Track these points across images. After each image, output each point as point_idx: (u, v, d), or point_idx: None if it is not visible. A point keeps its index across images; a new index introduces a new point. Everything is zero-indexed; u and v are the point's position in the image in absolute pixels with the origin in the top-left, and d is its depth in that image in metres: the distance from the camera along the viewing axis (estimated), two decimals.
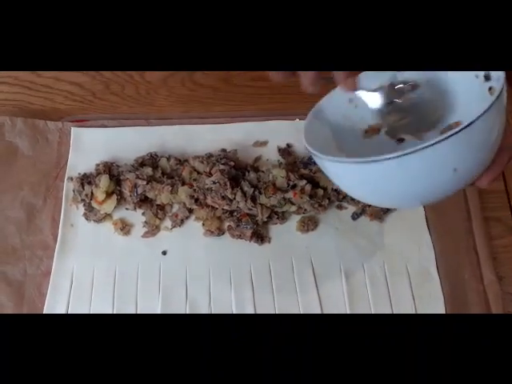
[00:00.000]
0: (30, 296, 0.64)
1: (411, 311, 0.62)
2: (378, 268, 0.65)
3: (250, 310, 0.62)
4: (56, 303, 0.63)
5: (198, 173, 0.69)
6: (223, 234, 0.67)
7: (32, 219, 0.68)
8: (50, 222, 0.68)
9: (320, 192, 0.67)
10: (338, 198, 0.68)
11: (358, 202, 0.67)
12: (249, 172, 0.68)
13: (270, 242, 0.67)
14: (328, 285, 0.64)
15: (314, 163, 0.69)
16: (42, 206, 0.69)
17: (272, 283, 0.64)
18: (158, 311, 0.62)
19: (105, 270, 0.65)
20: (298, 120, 0.75)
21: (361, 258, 0.66)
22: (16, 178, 0.70)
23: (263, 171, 0.69)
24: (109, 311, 0.63)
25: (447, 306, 0.63)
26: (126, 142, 0.73)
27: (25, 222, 0.68)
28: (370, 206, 0.67)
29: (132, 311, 0.63)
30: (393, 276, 0.65)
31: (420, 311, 0.62)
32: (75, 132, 0.74)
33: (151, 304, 0.63)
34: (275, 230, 0.68)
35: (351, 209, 0.69)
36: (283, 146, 0.73)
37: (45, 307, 0.63)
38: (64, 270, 0.65)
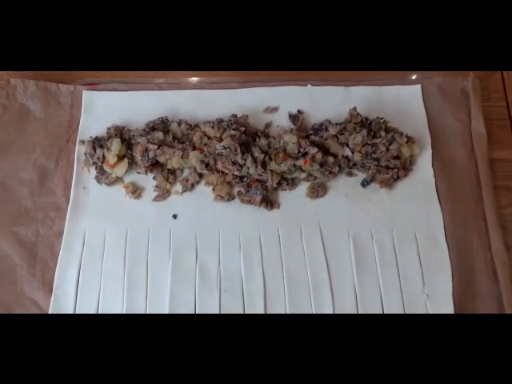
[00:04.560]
0: (42, 256, 0.65)
1: (418, 278, 0.63)
2: (387, 235, 0.65)
3: (258, 274, 0.63)
4: (68, 264, 0.65)
5: (209, 138, 0.69)
6: (233, 199, 0.68)
7: (44, 181, 0.69)
8: (62, 184, 0.69)
9: (330, 159, 0.67)
10: (349, 165, 0.68)
11: (369, 169, 0.67)
12: (259, 138, 0.68)
13: (279, 207, 0.68)
14: (336, 250, 0.65)
15: (326, 129, 0.69)
16: (54, 168, 0.70)
17: (280, 248, 0.65)
18: (169, 273, 0.64)
19: (116, 233, 0.66)
20: (310, 86, 0.74)
21: (369, 224, 0.66)
22: (28, 141, 0.71)
23: (274, 137, 0.69)
24: (120, 273, 0.64)
25: (454, 273, 0.63)
26: (137, 106, 0.73)
27: (37, 184, 0.69)
28: (380, 173, 0.66)
29: (143, 273, 0.64)
30: (401, 243, 0.65)
31: (427, 278, 0.63)
32: (87, 95, 0.74)
33: (161, 266, 0.64)
34: (285, 195, 0.68)
35: (361, 176, 0.69)
36: (294, 112, 0.73)
37: (57, 267, 0.64)
38: (76, 231, 0.66)
